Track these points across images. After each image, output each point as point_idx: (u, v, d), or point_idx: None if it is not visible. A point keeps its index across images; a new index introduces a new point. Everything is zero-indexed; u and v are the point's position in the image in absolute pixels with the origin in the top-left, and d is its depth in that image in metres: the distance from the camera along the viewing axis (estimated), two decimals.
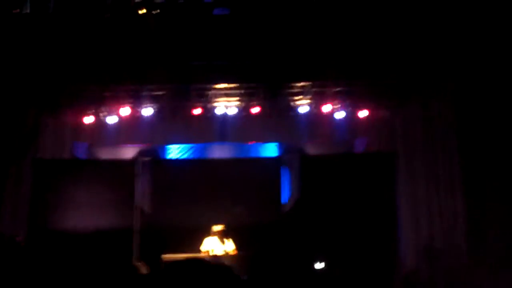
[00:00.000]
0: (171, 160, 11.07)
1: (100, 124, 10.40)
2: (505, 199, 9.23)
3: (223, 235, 9.16)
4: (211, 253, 9.07)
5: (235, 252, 9.13)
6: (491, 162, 9.50)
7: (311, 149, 10.87)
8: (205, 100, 10.24)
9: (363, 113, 10.27)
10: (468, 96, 9.67)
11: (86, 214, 9.95)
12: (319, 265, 8.28)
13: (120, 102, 10.21)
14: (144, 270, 6.82)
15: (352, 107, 10.26)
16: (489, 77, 9.37)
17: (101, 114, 10.35)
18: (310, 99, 10.20)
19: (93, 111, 10.31)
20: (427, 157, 10.08)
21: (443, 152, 10.06)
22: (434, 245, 9.77)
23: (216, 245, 9.16)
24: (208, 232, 9.29)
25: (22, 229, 9.78)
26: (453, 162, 9.97)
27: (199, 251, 9.05)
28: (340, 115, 10.30)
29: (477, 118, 9.67)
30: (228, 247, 9.15)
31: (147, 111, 10.22)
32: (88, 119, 10.29)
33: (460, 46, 9.30)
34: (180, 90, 10.13)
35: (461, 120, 9.86)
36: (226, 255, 8.99)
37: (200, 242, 9.30)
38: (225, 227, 9.21)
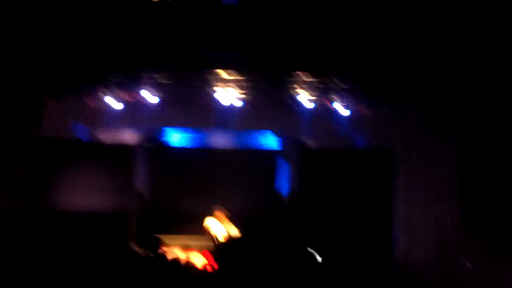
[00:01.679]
0: (172, 148, 11.11)
1: (103, 107, 10.42)
2: (503, 198, 9.30)
3: (224, 217, 9.24)
4: (212, 232, 9.14)
5: (236, 235, 9.13)
6: (489, 160, 9.57)
7: (311, 143, 10.92)
8: (208, 88, 10.26)
9: (364, 110, 10.32)
10: (466, 94, 9.73)
11: (84, 196, 10.00)
12: (316, 258, 8.32)
13: (123, 86, 10.23)
14: (142, 253, 6.90)
15: (354, 103, 10.29)
16: (486, 74, 9.41)
17: (103, 98, 10.37)
18: (312, 92, 10.22)
19: (95, 94, 10.33)
20: (425, 154, 10.14)
21: (441, 150, 10.12)
22: (428, 242, 9.85)
23: (216, 226, 9.22)
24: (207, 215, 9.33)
25: (19, 206, 9.81)
26: (450, 160, 10.04)
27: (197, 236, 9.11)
28: (342, 110, 10.33)
29: (475, 116, 9.73)
30: (229, 230, 9.21)
31: (149, 97, 10.24)
32: (90, 102, 10.31)
33: (457, 44, 9.33)
34: (185, 78, 10.14)
35: (459, 118, 9.92)
36: (227, 237, 9.02)
37: (197, 229, 9.36)
38: (224, 210, 9.26)
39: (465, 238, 9.59)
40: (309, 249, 7.52)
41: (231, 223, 9.30)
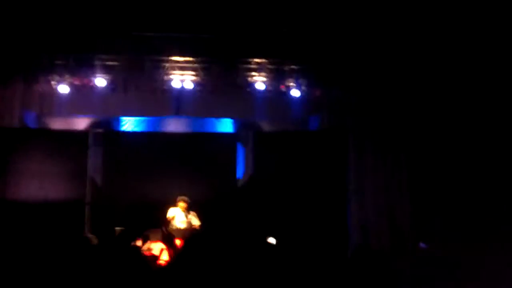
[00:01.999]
0: (124, 133, 10.93)
1: (51, 93, 10.16)
2: (450, 177, 9.66)
3: (187, 207, 9.09)
4: (175, 223, 8.98)
5: (199, 226, 9.09)
6: (437, 140, 9.91)
7: (266, 126, 10.99)
8: (160, 72, 10.13)
9: (317, 91, 10.44)
10: (418, 75, 9.98)
11: (36, 185, 9.77)
12: (271, 240, 8.44)
13: (72, 71, 9.98)
14: (95, 241, 6.80)
15: (307, 85, 10.39)
16: (436, 54, 9.68)
17: (52, 83, 10.10)
18: (266, 76, 10.26)
19: (44, 79, 10.05)
20: (376, 134, 10.38)
21: (392, 129, 10.38)
22: (379, 220, 10.13)
23: (180, 217, 9.08)
24: (166, 204, 9.23)
25: None
26: (401, 139, 10.33)
27: (151, 224, 9.01)
28: (294, 92, 10.42)
29: (425, 97, 10.01)
30: (193, 220, 9.09)
31: (100, 81, 10.03)
32: (38, 88, 10.04)
33: (410, 22, 9.52)
34: (134, 61, 9.97)
35: (409, 99, 10.18)
36: (190, 228, 8.96)
37: (152, 216, 9.27)
38: (188, 200, 9.13)
39: (415, 216, 9.93)
40: (267, 237, 7.63)
41: (194, 213, 9.18)
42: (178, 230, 8.89)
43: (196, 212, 9.20)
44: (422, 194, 9.91)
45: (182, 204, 9.07)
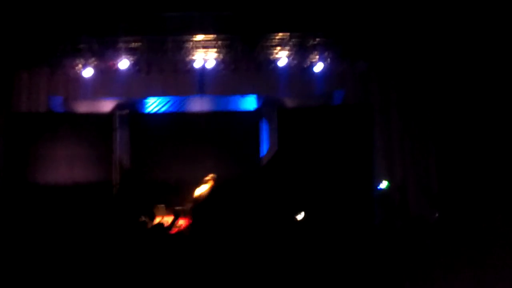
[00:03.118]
0: (149, 114, 11.00)
1: (76, 77, 10.25)
2: (476, 151, 9.49)
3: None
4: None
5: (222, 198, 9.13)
6: (463, 114, 9.71)
7: (290, 102, 10.90)
8: (183, 52, 10.11)
9: (341, 65, 10.29)
10: (444, 48, 9.74)
11: (65, 168, 9.93)
12: (299, 216, 8.44)
13: (96, 54, 10.04)
14: (128, 221, 6.90)
15: (331, 58, 10.25)
16: (457, 32, 9.43)
17: (76, 67, 10.18)
18: (288, 51, 10.15)
19: (68, 64, 10.14)
20: (400, 109, 10.22)
21: (415, 104, 10.21)
22: (407, 194, 10.04)
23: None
24: (192, 183, 9.31)
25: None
26: (426, 113, 10.15)
27: (179, 203, 9.10)
28: (318, 67, 10.30)
29: (451, 71, 9.79)
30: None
31: (123, 63, 10.07)
32: (64, 72, 10.14)
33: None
34: (157, 42, 9.96)
35: (435, 73, 9.97)
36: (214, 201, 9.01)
37: (181, 194, 9.37)
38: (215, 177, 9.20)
39: (442, 189, 9.80)
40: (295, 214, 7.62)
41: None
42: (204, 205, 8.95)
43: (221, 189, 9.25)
44: (448, 170, 9.76)
45: (211, 182, 9.18)
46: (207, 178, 9.22)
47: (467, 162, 9.50)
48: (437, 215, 8.99)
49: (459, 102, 9.75)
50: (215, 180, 9.17)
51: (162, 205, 8.66)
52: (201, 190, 9.19)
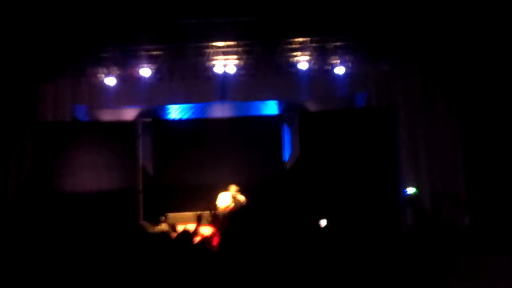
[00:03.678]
0: (172, 121, 11.08)
1: (99, 86, 10.37)
2: (504, 150, 9.30)
3: (238, 193, 9.24)
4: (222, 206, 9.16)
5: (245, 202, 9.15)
6: (490, 114, 9.52)
7: (312, 106, 10.86)
8: (203, 59, 10.16)
9: (363, 67, 10.21)
10: (470, 48, 9.58)
11: (89, 176, 10.03)
12: (322, 222, 8.38)
13: (118, 63, 10.15)
14: (150, 228, 6.95)
15: (352, 61, 10.18)
16: (487, 31, 9.26)
17: (99, 76, 10.31)
18: (309, 55, 10.11)
19: (91, 73, 10.27)
20: (427, 110, 10.08)
21: (443, 104, 10.05)
22: (434, 197, 9.86)
23: (227, 199, 9.25)
24: (215, 188, 9.35)
25: (25, 191, 9.88)
26: (452, 114, 9.98)
27: (202, 209, 9.13)
28: (339, 70, 10.24)
29: (477, 70, 9.62)
30: (238, 196, 9.23)
31: (145, 71, 10.17)
32: (87, 81, 10.28)
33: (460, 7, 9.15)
34: (178, 49, 10.03)
35: (460, 72, 9.81)
36: (237, 204, 9.05)
37: (203, 200, 9.39)
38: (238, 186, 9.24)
39: (469, 193, 9.62)
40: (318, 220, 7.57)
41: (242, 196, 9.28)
42: (228, 212, 9.01)
43: (245, 196, 9.27)
44: (477, 170, 9.57)
45: (233, 189, 9.20)
46: (230, 186, 9.28)
47: (497, 166, 9.31)
48: (468, 221, 8.83)
49: (490, 104, 9.56)
50: (237, 188, 9.24)
51: (207, 212, 8.68)
52: (224, 196, 9.23)
